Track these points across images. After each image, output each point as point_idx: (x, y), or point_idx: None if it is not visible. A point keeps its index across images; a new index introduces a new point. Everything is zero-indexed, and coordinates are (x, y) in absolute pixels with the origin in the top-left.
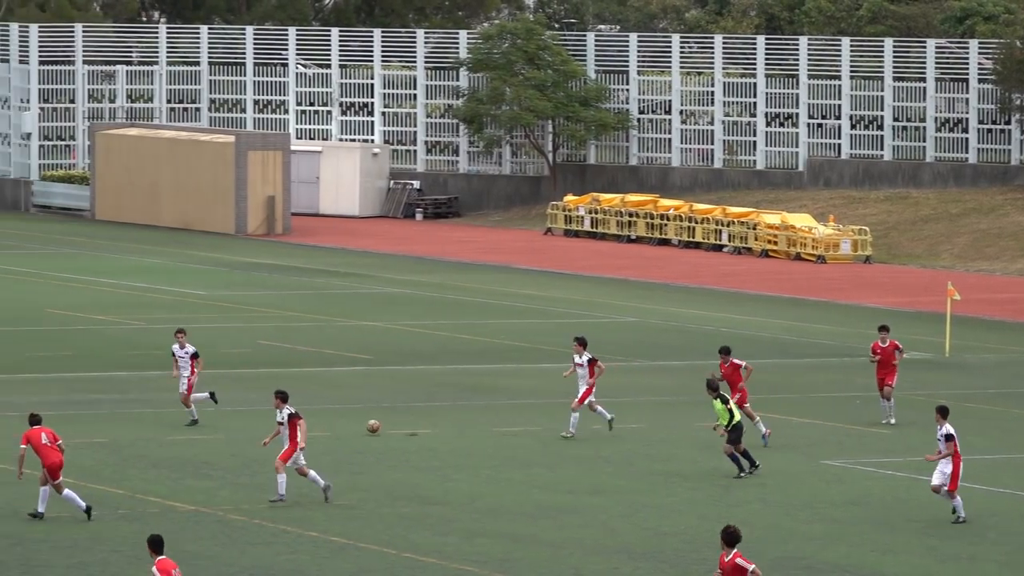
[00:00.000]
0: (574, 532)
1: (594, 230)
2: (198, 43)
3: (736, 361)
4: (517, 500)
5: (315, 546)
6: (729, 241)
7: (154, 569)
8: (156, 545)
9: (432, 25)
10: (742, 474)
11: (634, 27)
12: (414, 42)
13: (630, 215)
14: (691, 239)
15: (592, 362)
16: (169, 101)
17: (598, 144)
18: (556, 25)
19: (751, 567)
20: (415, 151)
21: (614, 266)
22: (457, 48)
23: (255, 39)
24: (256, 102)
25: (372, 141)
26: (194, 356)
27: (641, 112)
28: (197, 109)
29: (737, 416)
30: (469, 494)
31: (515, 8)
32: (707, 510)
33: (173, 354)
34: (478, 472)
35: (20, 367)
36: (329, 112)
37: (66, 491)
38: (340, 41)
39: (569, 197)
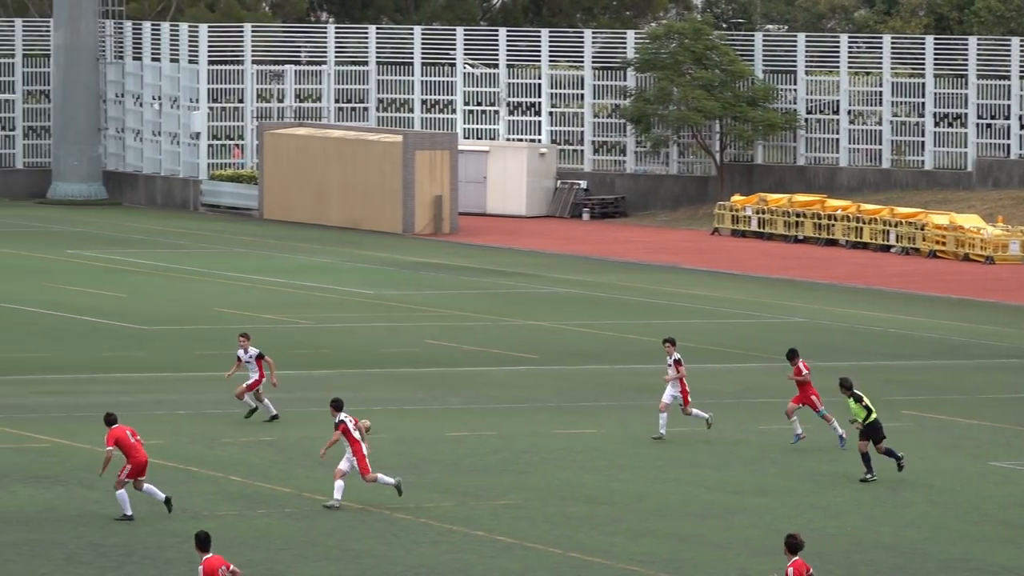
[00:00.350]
0: (740, 532)
1: (761, 230)
2: (366, 43)
3: (803, 364)
4: (683, 500)
5: (481, 545)
6: (897, 242)
7: (199, 568)
8: (203, 543)
9: (599, 25)
10: (868, 476)
11: (802, 27)
12: (582, 42)
13: (797, 215)
14: (858, 239)
15: (678, 363)
16: (337, 101)
17: (765, 144)
18: (724, 25)
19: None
20: (582, 151)
21: (781, 266)
22: (624, 48)
23: (423, 39)
24: (424, 102)
25: (539, 141)
26: (259, 358)
27: (809, 112)
28: (365, 109)
29: (874, 414)
30: (635, 494)
31: (683, 8)
32: (874, 511)
33: (238, 358)
34: (644, 472)
35: (188, 366)
36: (496, 112)
37: (145, 486)
38: (508, 41)
39: (736, 197)
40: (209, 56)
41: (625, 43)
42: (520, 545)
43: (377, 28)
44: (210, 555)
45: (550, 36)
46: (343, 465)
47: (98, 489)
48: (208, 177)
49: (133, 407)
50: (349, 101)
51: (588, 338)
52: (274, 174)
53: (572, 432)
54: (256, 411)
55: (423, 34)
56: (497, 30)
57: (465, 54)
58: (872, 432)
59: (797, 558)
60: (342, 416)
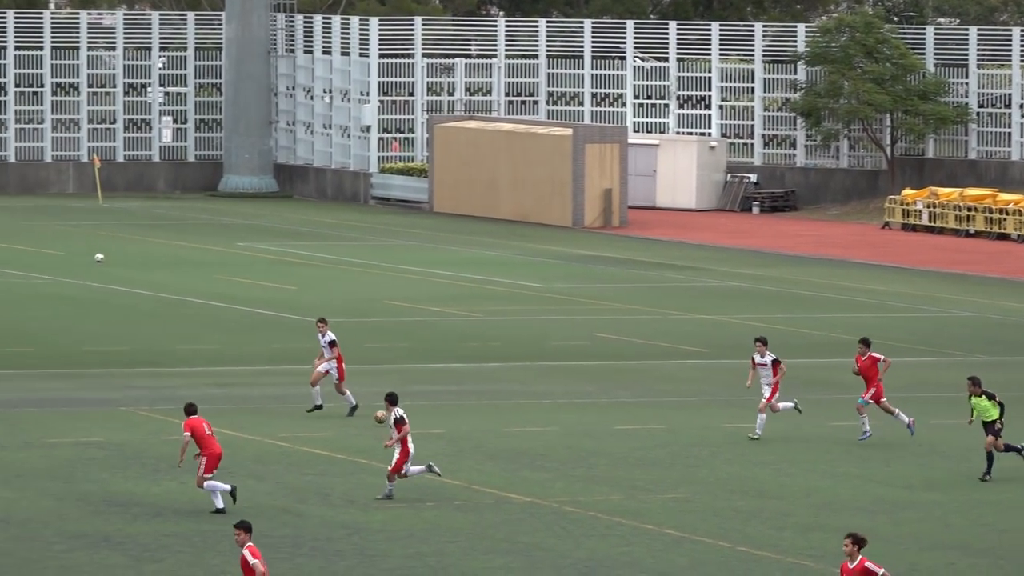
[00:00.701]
0: (910, 527)
1: (932, 224)
2: (536, 36)
3: (875, 355)
4: (853, 494)
5: (650, 539)
6: None
7: (247, 552)
8: (250, 527)
9: (770, 19)
10: (987, 476)
11: (974, 20)
12: (752, 36)
13: (969, 209)
14: None
15: (776, 363)
16: (507, 94)
17: (936, 138)
18: (895, 18)
19: (880, 571)
20: (752, 144)
21: (952, 260)
22: (795, 42)
23: (593, 32)
24: (594, 95)
25: (709, 135)
26: (331, 344)
27: (980, 106)
28: (535, 102)
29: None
30: (805, 488)
31: (854, 2)
32: None
33: (330, 344)
34: (814, 466)
35: (358, 358)
36: (666, 105)
37: (207, 483)
38: (678, 34)
39: (907, 191)
40: (380, 49)
41: (796, 37)
42: (689, 539)
43: (547, 22)
44: (251, 544)
45: (720, 30)
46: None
47: (268, 480)
48: (378, 170)
49: (301, 399)
50: (519, 94)
51: (758, 332)
52: (444, 167)
53: (742, 426)
54: (321, 407)
55: (593, 28)
56: (667, 23)
57: (635, 48)
58: (988, 428)
59: (861, 556)
60: (400, 412)
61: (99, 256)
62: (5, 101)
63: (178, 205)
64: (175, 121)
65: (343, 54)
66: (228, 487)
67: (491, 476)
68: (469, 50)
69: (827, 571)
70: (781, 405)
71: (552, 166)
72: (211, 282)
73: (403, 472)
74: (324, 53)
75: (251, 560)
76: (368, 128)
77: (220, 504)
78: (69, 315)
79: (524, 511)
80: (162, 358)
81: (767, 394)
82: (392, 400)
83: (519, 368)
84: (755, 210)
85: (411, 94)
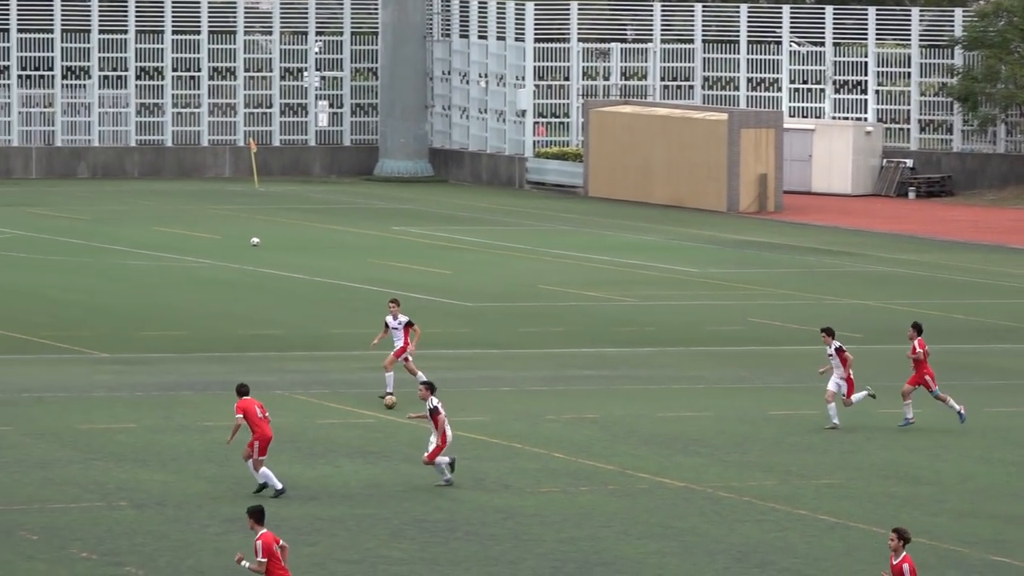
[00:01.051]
0: None
1: None
2: (692, 21)
3: (922, 341)
4: (1009, 481)
5: (804, 525)
6: None
7: (257, 543)
8: (261, 516)
9: (927, 3)
10: None
11: None
12: (908, 20)
13: None
14: None
15: (840, 351)
16: (662, 79)
17: None
18: None
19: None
20: (908, 130)
21: None
22: (952, 26)
23: (749, 17)
24: (749, 80)
25: (865, 120)
26: (408, 325)
27: None
28: (690, 87)
29: None
30: (960, 474)
31: None
32: None
33: (386, 324)
34: (969, 452)
35: (512, 343)
36: (822, 90)
37: (263, 469)
38: (834, 19)
39: None
40: (535, 34)
41: (952, 21)
42: (843, 525)
43: (703, 6)
44: (265, 530)
45: (877, 14)
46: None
47: (422, 465)
48: (533, 154)
49: (457, 383)
50: (674, 79)
51: (912, 317)
52: (599, 152)
53: (895, 412)
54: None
55: (749, 12)
56: (824, 8)
57: (791, 32)
58: None
59: (906, 552)
60: (436, 402)
61: (255, 240)
62: (163, 86)
63: (333, 189)
64: (331, 105)
65: (499, 39)
66: (279, 486)
67: (645, 461)
68: (625, 34)
69: (982, 558)
70: (854, 397)
71: (707, 151)
72: (366, 266)
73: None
74: (480, 38)
75: (257, 548)
76: (523, 113)
77: (279, 485)
78: (225, 299)
79: (678, 496)
80: (317, 342)
81: (832, 383)
82: (431, 388)
83: (673, 353)
84: (911, 195)
85: (566, 79)
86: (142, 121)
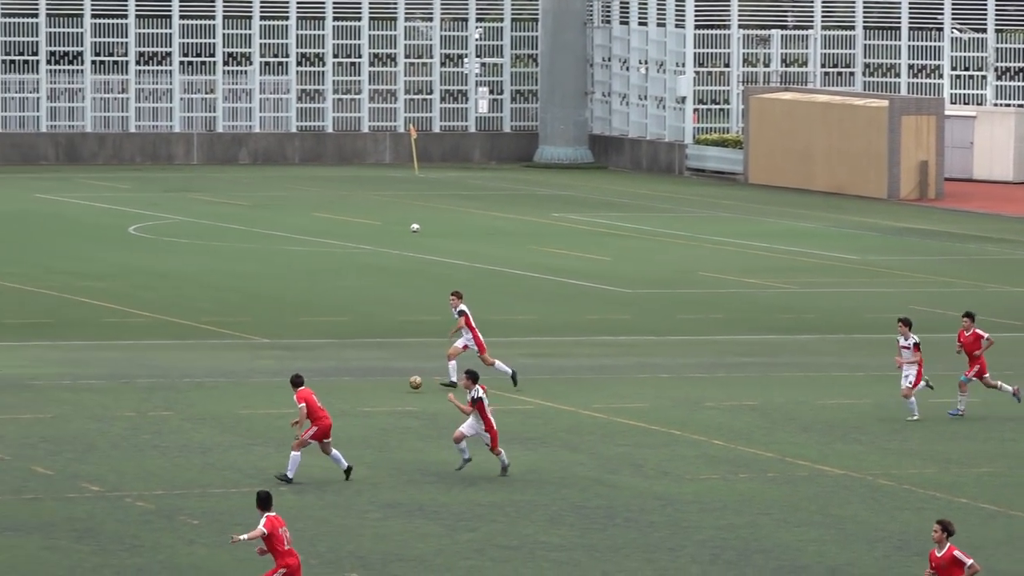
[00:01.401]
0: None
1: None
2: (853, 8)
3: (979, 331)
4: None
5: (965, 513)
6: None
7: (260, 526)
8: (265, 502)
9: None
10: None
11: None
12: None
13: None
14: None
15: (917, 346)
16: (823, 65)
17: None
18: None
19: (969, 561)
20: None
21: None
22: None
23: (911, 3)
24: (910, 67)
25: None
26: (462, 314)
27: None
28: (851, 74)
29: None
30: None
31: None
32: None
33: (463, 314)
34: None
35: (671, 329)
36: (984, 77)
37: (333, 451)
38: (997, 5)
39: None
40: (695, 21)
41: None
42: (1005, 513)
43: None
44: (272, 514)
45: None
46: (465, 429)
47: (582, 451)
48: (693, 141)
49: (615, 370)
50: (835, 66)
51: None
52: (759, 139)
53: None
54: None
55: None
56: None
57: (953, 18)
58: None
59: (950, 544)
60: (480, 392)
61: (415, 226)
62: (323, 72)
63: (493, 176)
64: (491, 92)
65: (659, 25)
66: (346, 465)
67: (805, 448)
68: (785, 21)
69: None
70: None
71: (868, 138)
72: (525, 252)
73: (496, 450)
74: (640, 24)
75: (259, 526)
76: (683, 99)
77: (290, 474)
78: (384, 285)
79: (838, 483)
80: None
81: (913, 378)
82: (474, 378)
83: (833, 340)
84: None
85: (726, 65)
86: (303, 107)
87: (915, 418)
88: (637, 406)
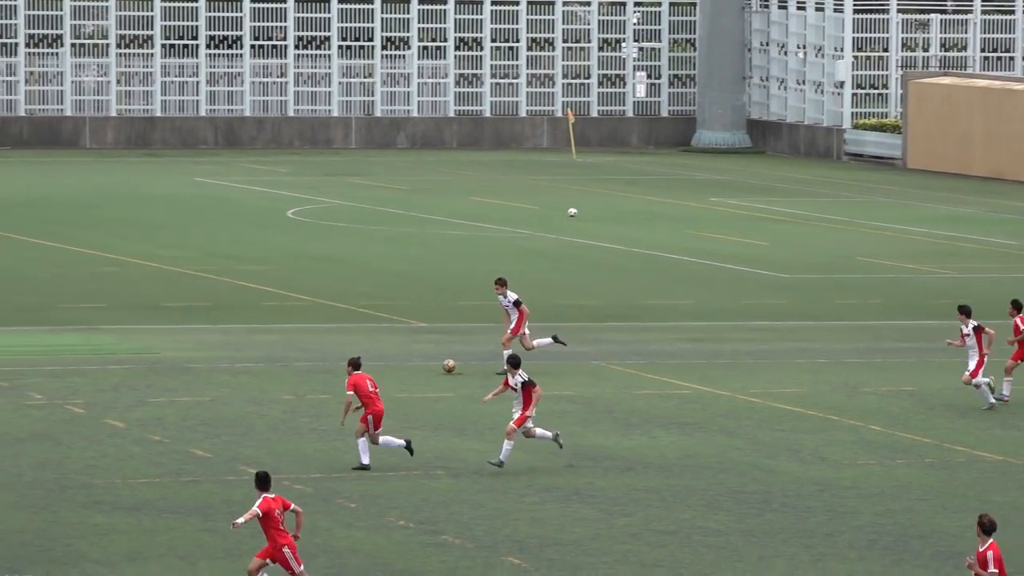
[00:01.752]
0: None
1: None
2: None
3: (988, 329)
4: None
5: None
6: None
7: (256, 507)
8: (263, 482)
9: None
10: None
11: None
12: None
13: None
14: None
15: (979, 330)
16: (983, 50)
17: None
18: None
19: (991, 569)
20: None
21: None
22: None
23: None
24: None
25: None
26: (516, 304)
27: None
28: (1011, 58)
29: None
30: None
31: None
32: None
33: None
34: None
35: (828, 314)
36: None
37: (381, 439)
38: None
39: None
40: (854, 5)
41: None
42: None
43: None
44: (271, 495)
45: None
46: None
47: (739, 436)
48: (852, 126)
49: (773, 355)
50: (995, 50)
51: None
52: (918, 123)
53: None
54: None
55: None
56: None
57: None
58: None
59: (991, 540)
60: (523, 377)
61: (572, 211)
62: (481, 56)
63: (651, 160)
64: (649, 76)
65: (817, 9)
66: (403, 442)
67: (963, 434)
68: (945, 5)
69: None
70: (975, 380)
71: None
72: (683, 237)
73: (526, 429)
74: (799, 8)
75: (254, 506)
76: (841, 84)
77: (366, 461)
78: (542, 269)
79: (996, 470)
80: (634, 312)
81: (972, 367)
82: (516, 364)
83: (991, 326)
84: None
85: (885, 50)
86: (461, 92)
87: (990, 406)
88: (794, 391)
